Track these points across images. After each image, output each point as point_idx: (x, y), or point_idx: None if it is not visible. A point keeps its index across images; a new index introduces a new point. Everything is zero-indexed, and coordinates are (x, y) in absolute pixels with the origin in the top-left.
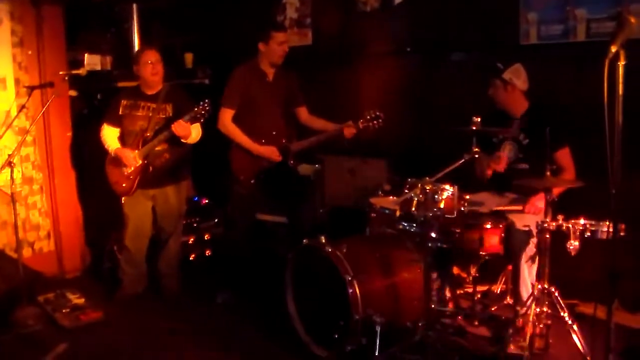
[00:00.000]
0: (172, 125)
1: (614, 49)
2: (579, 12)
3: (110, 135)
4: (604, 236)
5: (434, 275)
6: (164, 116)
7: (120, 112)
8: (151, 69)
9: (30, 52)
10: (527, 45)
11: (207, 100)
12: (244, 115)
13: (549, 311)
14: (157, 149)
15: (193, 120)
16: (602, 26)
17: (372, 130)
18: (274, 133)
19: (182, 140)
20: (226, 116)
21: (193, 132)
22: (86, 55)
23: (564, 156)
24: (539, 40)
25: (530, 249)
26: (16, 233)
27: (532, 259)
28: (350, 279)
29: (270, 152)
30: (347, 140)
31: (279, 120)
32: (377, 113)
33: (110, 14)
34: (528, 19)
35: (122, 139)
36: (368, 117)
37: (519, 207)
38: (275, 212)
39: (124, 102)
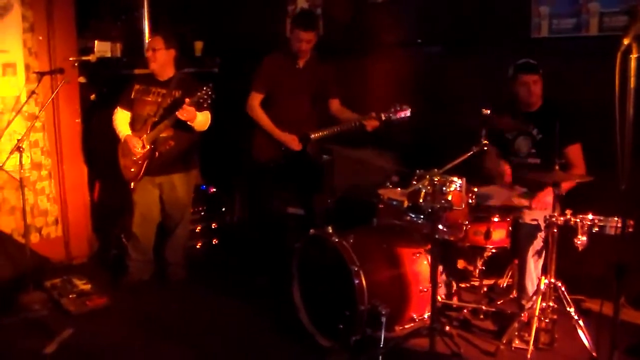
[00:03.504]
0: (178, 110)
1: (626, 41)
2: (592, 5)
3: (121, 120)
4: (612, 232)
5: (440, 267)
6: (171, 102)
7: (132, 96)
8: (147, 57)
9: (40, 38)
10: (538, 39)
11: (210, 85)
12: (271, 100)
13: (555, 306)
14: (162, 135)
15: (197, 105)
16: (615, 20)
17: (398, 124)
18: (296, 119)
19: (189, 123)
20: (254, 100)
21: (202, 117)
22: (96, 42)
23: (575, 152)
24: (551, 33)
25: (538, 243)
26: (24, 218)
27: (538, 253)
28: (356, 269)
29: (291, 140)
30: (369, 132)
31: (305, 107)
32: (404, 106)
33: (121, 2)
34: (540, 12)
35: (132, 123)
36: (393, 109)
37: (525, 203)
38: (288, 202)
39: (137, 86)
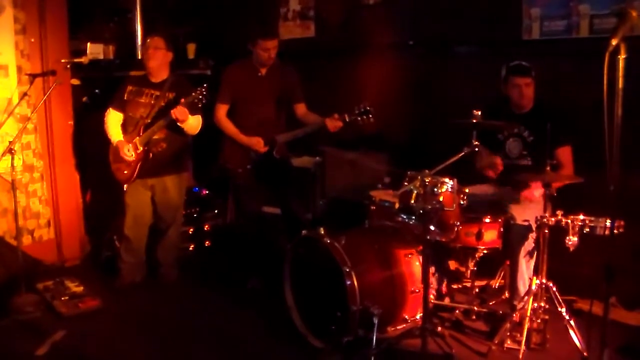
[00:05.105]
0: (172, 110)
1: (614, 42)
2: (582, 7)
3: (113, 122)
4: (603, 232)
5: (432, 268)
6: (165, 104)
7: (125, 98)
8: (146, 55)
9: (32, 40)
10: (529, 41)
11: (205, 85)
12: (237, 109)
13: (547, 306)
14: (155, 137)
15: (191, 106)
16: (605, 22)
17: (362, 125)
18: (263, 126)
19: (180, 124)
20: (220, 111)
21: (193, 121)
22: (89, 44)
23: (565, 154)
24: (542, 35)
25: (529, 243)
26: (16, 220)
27: (530, 253)
28: (348, 270)
29: (256, 143)
30: (332, 133)
31: (270, 113)
32: (367, 107)
33: (114, 3)
34: (531, 14)
35: (124, 125)
36: (357, 111)
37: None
38: (272, 203)
39: (129, 87)
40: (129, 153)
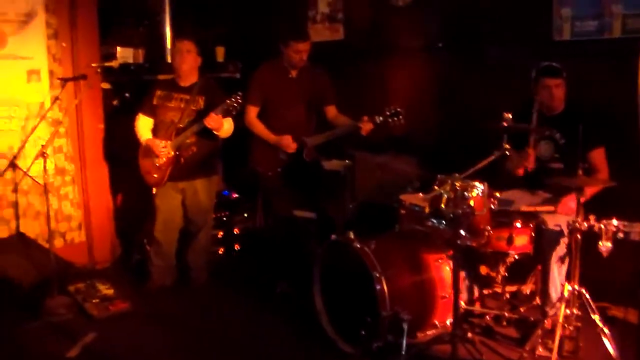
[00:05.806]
0: (205, 119)
1: None
2: (615, 7)
3: (143, 126)
4: (637, 238)
5: (463, 274)
6: (195, 108)
7: (154, 102)
8: (179, 59)
9: (64, 44)
10: (560, 42)
11: (240, 94)
12: (267, 111)
13: (579, 313)
14: (186, 141)
15: (225, 113)
16: (639, 22)
17: (392, 127)
18: (293, 128)
19: (215, 132)
20: (250, 113)
21: (225, 125)
22: (118, 48)
23: (598, 156)
24: (573, 36)
25: (561, 248)
26: (48, 223)
27: (562, 259)
28: (378, 275)
29: (285, 141)
30: (364, 136)
31: (301, 116)
32: (397, 109)
33: (143, 7)
34: (562, 15)
35: (155, 130)
36: (387, 112)
37: (551, 208)
38: (304, 207)
39: (158, 92)
40: (165, 150)
